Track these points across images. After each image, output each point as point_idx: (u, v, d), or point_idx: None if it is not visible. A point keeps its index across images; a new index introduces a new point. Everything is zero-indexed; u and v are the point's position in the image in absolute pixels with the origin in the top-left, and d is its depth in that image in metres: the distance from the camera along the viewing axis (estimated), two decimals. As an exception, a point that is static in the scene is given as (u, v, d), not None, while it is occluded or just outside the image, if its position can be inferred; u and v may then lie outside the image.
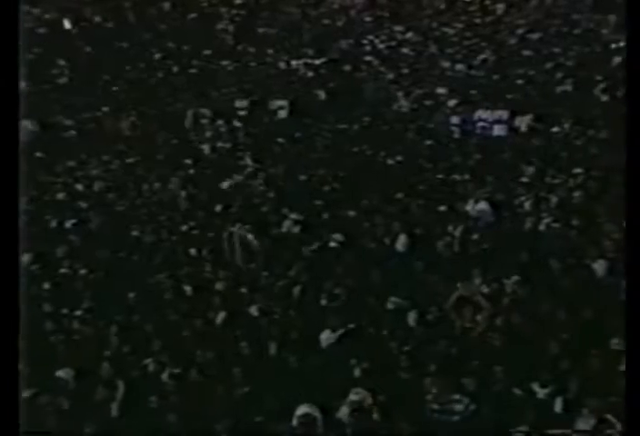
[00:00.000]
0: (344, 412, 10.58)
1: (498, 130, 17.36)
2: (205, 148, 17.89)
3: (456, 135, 17.54)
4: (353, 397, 10.66)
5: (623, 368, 10.35)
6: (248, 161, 17.13)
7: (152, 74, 21.41)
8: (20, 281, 8.57)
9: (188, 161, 17.26)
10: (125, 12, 24.75)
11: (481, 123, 17.48)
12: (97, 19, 24.46)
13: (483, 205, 14.50)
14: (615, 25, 20.68)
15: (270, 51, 22.29)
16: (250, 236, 13.60)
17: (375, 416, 10.53)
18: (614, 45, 20.12)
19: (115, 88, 20.72)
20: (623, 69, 18.13)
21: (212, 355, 11.64)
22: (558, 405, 10.38)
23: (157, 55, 22.38)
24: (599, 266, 12.63)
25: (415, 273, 12.94)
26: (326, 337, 11.72)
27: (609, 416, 9.81)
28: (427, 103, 18.90)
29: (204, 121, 18.89)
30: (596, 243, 13.20)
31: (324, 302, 12.52)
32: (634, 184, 8.06)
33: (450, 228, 13.89)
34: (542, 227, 13.93)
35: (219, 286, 13.09)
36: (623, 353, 10.51)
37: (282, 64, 21.56)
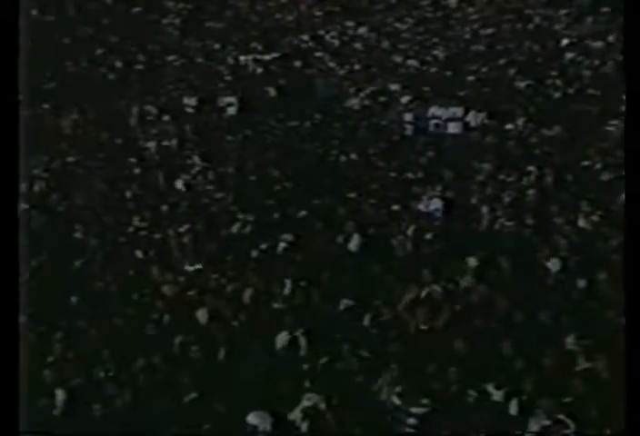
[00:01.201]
0: (297, 418, 10.30)
1: (452, 127, 17.28)
2: (152, 146, 17.54)
3: (409, 133, 17.45)
4: (306, 402, 10.40)
5: (577, 368, 10.31)
6: (196, 159, 16.84)
7: (94, 70, 20.94)
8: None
9: (133, 160, 16.85)
10: (64, 5, 24.19)
11: (434, 121, 17.38)
12: (35, 12, 23.81)
13: (436, 204, 14.39)
14: (567, 21, 20.90)
15: (217, 46, 22.01)
16: None
17: (329, 421, 10.26)
18: (566, 41, 20.29)
19: (55, 84, 20.21)
20: (575, 65, 18.30)
21: (159, 360, 11.27)
22: (513, 407, 10.27)
23: (100, 50, 21.89)
24: (553, 265, 12.57)
25: (368, 274, 12.72)
26: (278, 340, 11.43)
27: (563, 417, 9.68)
28: (380, 99, 18.78)
29: (149, 118, 18.57)
30: (550, 242, 13.12)
31: (275, 304, 12.25)
32: (633, 184, 7.98)
33: (403, 227, 13.74)
34: (496, 226, 13.89)
35: (166, 289, 12.74)
36: (577, 353, 10.50)
37: (230, 60, 21.29)
